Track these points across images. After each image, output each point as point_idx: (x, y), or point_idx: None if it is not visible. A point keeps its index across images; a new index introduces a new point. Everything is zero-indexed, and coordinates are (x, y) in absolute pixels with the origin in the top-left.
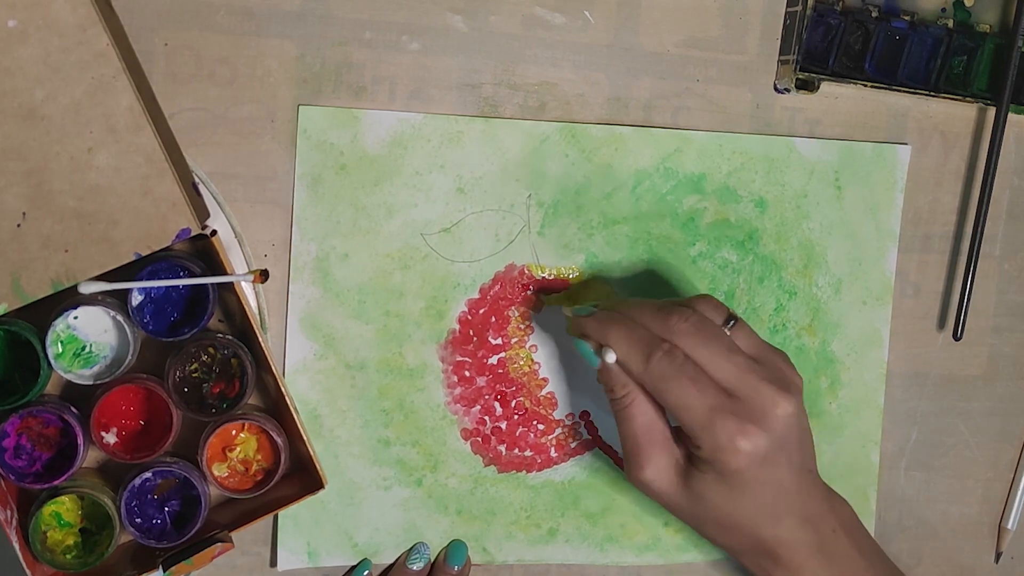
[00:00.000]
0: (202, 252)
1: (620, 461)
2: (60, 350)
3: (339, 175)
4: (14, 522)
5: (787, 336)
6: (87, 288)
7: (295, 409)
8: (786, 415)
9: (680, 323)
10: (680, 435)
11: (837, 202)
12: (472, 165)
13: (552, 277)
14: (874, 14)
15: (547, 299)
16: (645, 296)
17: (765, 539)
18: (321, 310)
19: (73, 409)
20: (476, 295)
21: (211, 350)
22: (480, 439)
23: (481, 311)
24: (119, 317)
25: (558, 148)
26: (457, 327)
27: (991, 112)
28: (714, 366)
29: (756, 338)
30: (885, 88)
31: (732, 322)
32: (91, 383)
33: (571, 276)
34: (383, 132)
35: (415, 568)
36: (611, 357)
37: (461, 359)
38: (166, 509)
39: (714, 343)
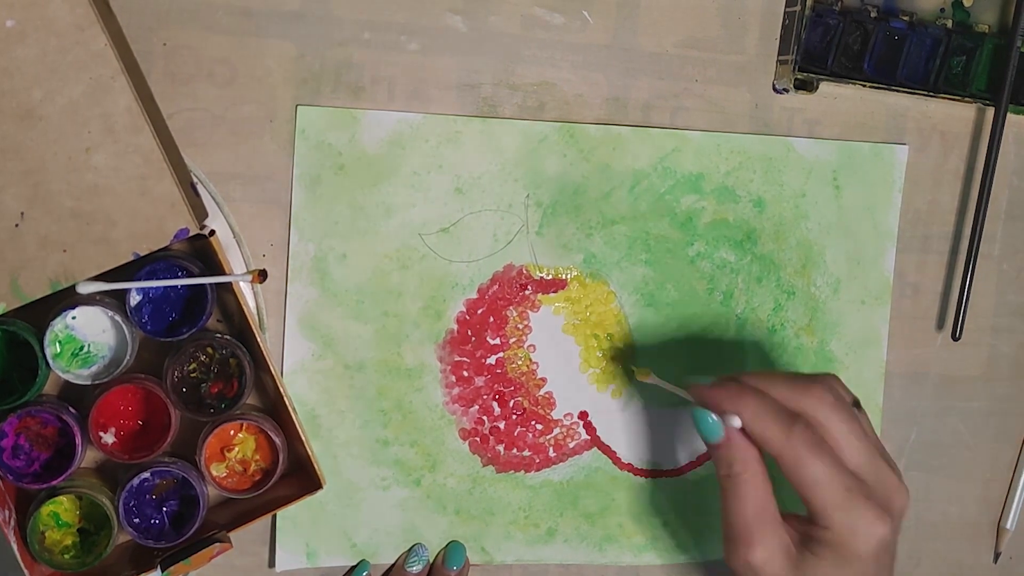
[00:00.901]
0: (200, 252)
1: (619, 461)
2: (58, 350)
3: (337, 175)
4: (12, 522)
5: (786, 336)
6: (85, 288)
7: (293, 409)
8: (904, 506)
9: (824, 395)
10: (788, 520)
11: (835, 202)
12: (470, 165)
13: (550, 277)
14: (873, 14)
15: (636, 371)
16: (645, 296)
17: None
18: (319, 310)
19: (71, 409)
20: (474, 295)
21: (209, 350)
22: (478, 439)
23: (479, 311)
24: (117, 317)
25: (556, 148)
26: (455, 327)
27: (990, 112)
28: (850, 446)
29: (871, 426)
30: (884, 88)
31: (858, 407)
32: (89, 383)
33: (569, 276)
34: (381, 132)
35: (414, 571)
36: (737, 423)
37: (459, 359)
38: (164, 509)
39: (852, 422)
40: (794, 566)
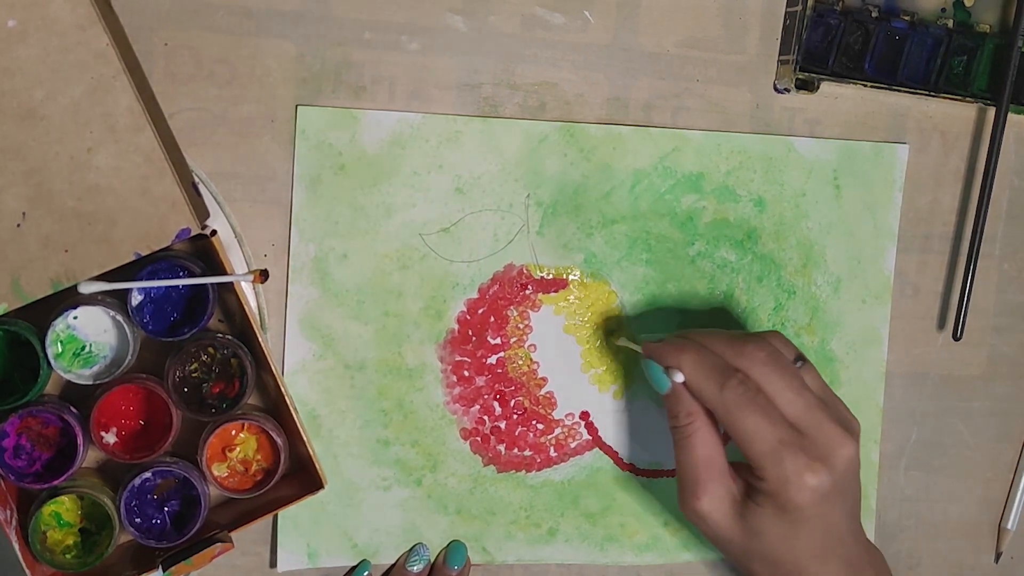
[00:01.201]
0: (202, 252)
1: (620, 461)
2: (60, 350)
3: (337, 175)
4: (14, 522)
5: (786, 335)
6: (87, 288)
7: (295, 409)
8: (849, 457)
9: (756, 352)
10: (738, 469)
11: (836, 201)
12: (470, 165)
13: (551, 277)
14: (874, 14)
15: (610, 338)
16: (646, 297)
17: None
18: (320, 310)
19: (73, 409)
20: (475, 295)
21: (211, 350)
22: (479, 439)
23: (480, 311)
24: (119, 317)
25: (556, 148)
26: (456, 327)
27: (991, 112)
28: (785, 400)
29: (821, 380)
30: (885, 88)
31: (800, 362)
32: (91, 383)
33: (570, 276)
34: (381, 132)
35: (415, 570)
36: (679, 377)
37: (460, 359)
38: (166, 509)
39: (787, 377)
40: (738, 514)
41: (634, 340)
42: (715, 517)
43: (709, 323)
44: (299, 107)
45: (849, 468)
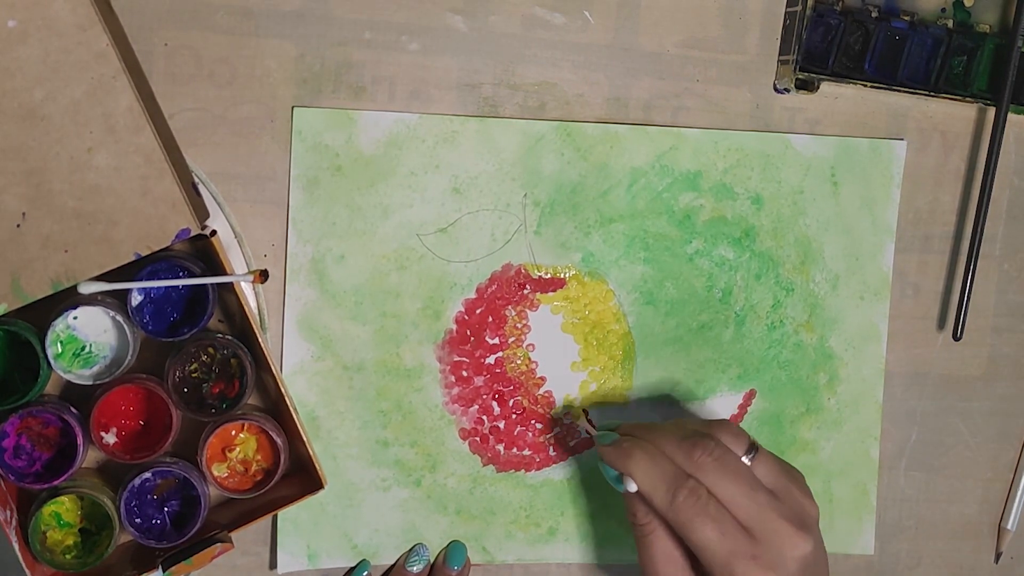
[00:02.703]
0: (202, 252)
1: None
2: (60, 350)
3: (334, 176)
4: (14, 522)
5: (785, 332)
6: (87, 288)
7: (295, 409)
8: (802, 557)
9: (704, 457)
10: (697, 568)
11: (833, 198)
12: (467, 165)
13: (549, 276)
14: (874, 14)
15: (575, 415)
16: (644, 296)
17: None
18: (318, 312)
19: (73, 409)
20: (473, 295)
21: (211, 350)
22: (478, 439)
23: (478, 311)
24: (119, 317)
25: (553, 147)
26: (454, 327)
27: (991, 112)
28: (736, 504)
29: (775, 466)
30: (885, 88)
31: (753, 452)
32: (91, 383)
33: (568, 275)
34: (378, 133)
35: (415, 570)
36: (632, 487)
37: (458, 359)
38: (166, 509)
39: (737, 479)
40: None
41: (591, 423)
42: None
43: (708, 322)
44: (295, 108)
45: (804, 565)
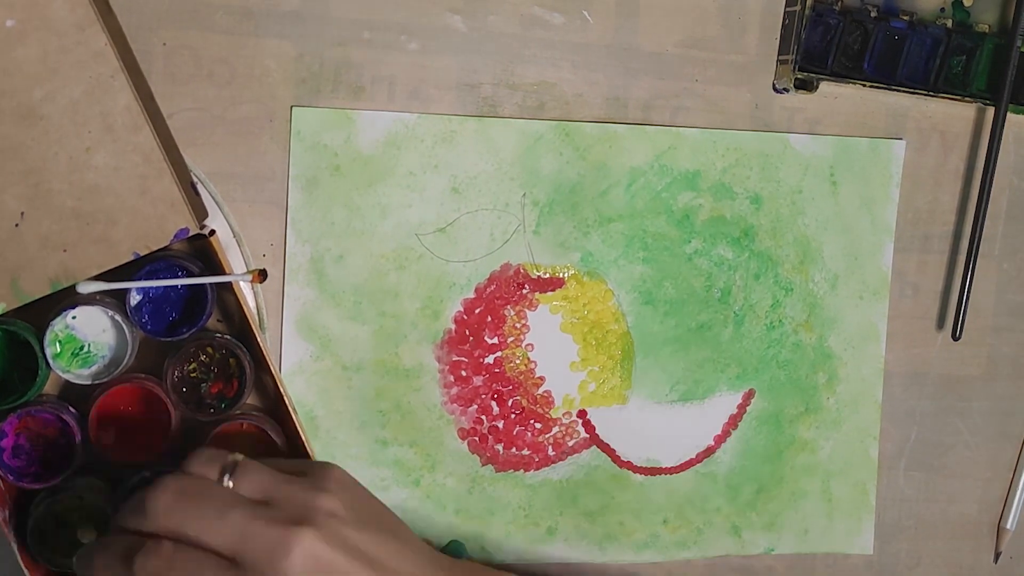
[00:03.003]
0: (200, 252)
1: (618, 459)
2: (58, 350)
3: (333, 176)
4: (12, 522)
5: (784, 332)
6: (85, 288)
7: (294, 409)
8: (300, 555)
9: (154, 502)
10: None
11: (832, 197)
12: (466, 165)
13: (548, 276)
14: (873, 14)
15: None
16: (642, 295)
17: None
18: (317, 312)
19: (71, 409)
20: (472, 295)
21: (209, 350)
22: (477, 438)
23: (477, 311)
24: (117, 317)
25: (552, 147)
26: (453, 327)
27: (990, 112)
28: (209, 536)
29: (267, 473)
30: (884, 88)
31: (231, 470)
32: (89, 383)
33: (567, 275)
34: (377, 133)
35: None
36: None
37: (457, 359)
38: None
39: (203, 507)
40: None
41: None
42: None
43: (707, 322)
44: (294, 108)
45: (305, 565)
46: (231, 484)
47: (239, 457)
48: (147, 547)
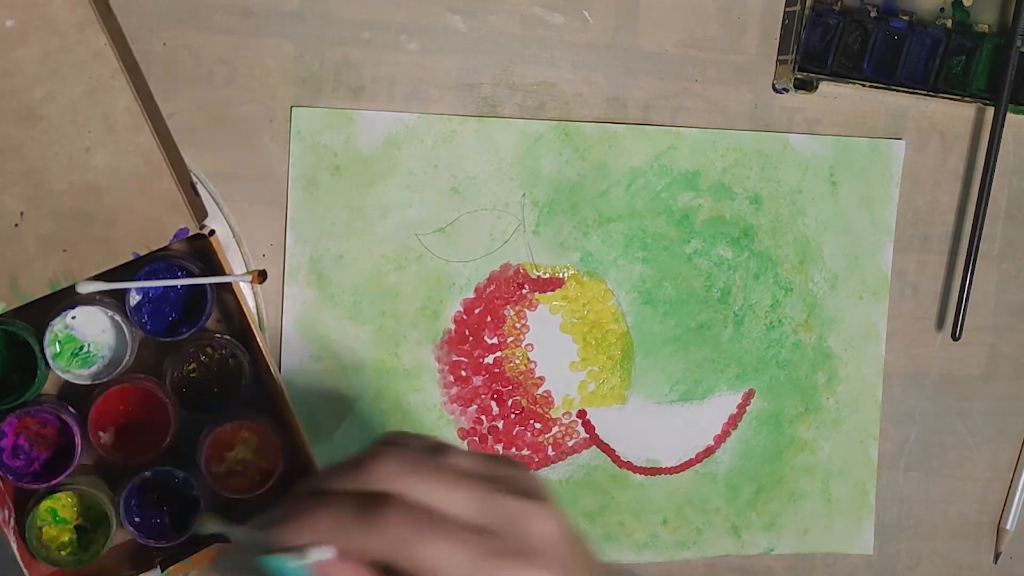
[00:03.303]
0: (200, 252)
1: (618, 459)
2: (58, 350)
3: (333, 176)
4: (12, 522)
5: (784, 332)
6: (85, 288)
7: (293, 409)
8: (550, 531)
9: (386, 467)
10: None
11: (832, 197)
12: (466, 165)
13: (547, 276)
14: (873, 14)
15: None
16: (642, 295)
17: None
18: (316, 312)
19: (71, 409)
20: (471, 295)
21: (209, 350)
22: (477, 438)
23: (477, 311)
24: (117, 317)
25: (552, 147)
26: (453, 327)
27: (990, 112)
28: (448, 502)
29: (474, 455)
30: (884, 88)
31: (443, 449)
32: (89, 383)
33: (566, 275)
34: (377, 133)
35: None
36: (321, 554)
37: (457, 359)
38: (165, 508)
39: (436, 474)
40: None
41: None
42: None
43: (707, 322)
44: (294, 108)
45: (557, 538)
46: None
47: (442, 441)
48: (388, 502)
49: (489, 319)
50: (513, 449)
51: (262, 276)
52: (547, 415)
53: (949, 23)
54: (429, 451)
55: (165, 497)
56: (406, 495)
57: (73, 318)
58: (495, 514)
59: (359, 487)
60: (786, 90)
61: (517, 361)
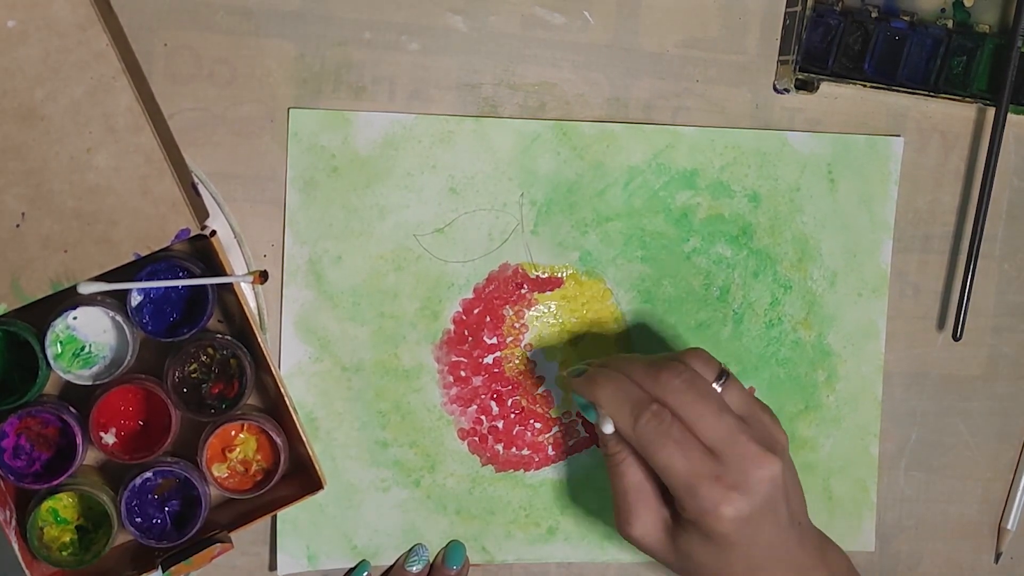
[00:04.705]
0: (201, 252)
1: None
2: (59, 350)
3: (331, 177)
4: (13, 522)
5: (783, 330)
6: (86, 288)
7: (294, 409)
8: (771, 476)
9: (671, 380)
10: (669, 494)
11: (830, 195)
12: (464, 165)
13: (546, 276)
14: (874, 14)
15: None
16: (641, 294)
17: None
18: (315, 313)
19: (72, 409)
20: (470, 295)
21: (210, 350)
22: (477, 438)
23: (476, 311)
24: (118, 317)
25: (550, 146)
26: (452, 327)
27: (990, 112)
28: (702, 425)
29: (746, 394)
30: (884, 88)
31: (724, 378)
32: (90, 383)
33: (565, 274)
34: (374, 133)
35: (414, 570)
36: (606, 424)
37: (456, 359)
38: (166, 509)
39: (703, 402)
40: (670, 538)
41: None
42: (647, 542)
43: (706, 320)
44: (291, 110)
45: (773, 486)
46: (719, 390)
47: (727, 369)
48: (655, 409)
49: (488, 319)
50: (513, 449)
51: (263, 276)
52: (547, 415)
53: (950, 23)
54: (715, 377)
55: (166, 498)
56: (674, 409)
57: (74, 319)
58: (732, 449)
59: (647, 386)
60: (787, 90)
61: (516, 361)
